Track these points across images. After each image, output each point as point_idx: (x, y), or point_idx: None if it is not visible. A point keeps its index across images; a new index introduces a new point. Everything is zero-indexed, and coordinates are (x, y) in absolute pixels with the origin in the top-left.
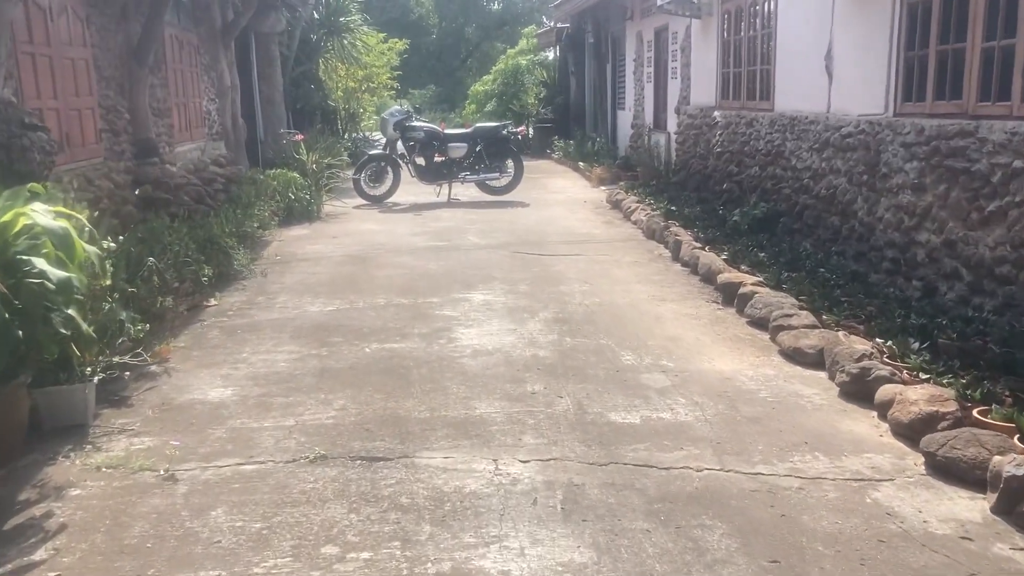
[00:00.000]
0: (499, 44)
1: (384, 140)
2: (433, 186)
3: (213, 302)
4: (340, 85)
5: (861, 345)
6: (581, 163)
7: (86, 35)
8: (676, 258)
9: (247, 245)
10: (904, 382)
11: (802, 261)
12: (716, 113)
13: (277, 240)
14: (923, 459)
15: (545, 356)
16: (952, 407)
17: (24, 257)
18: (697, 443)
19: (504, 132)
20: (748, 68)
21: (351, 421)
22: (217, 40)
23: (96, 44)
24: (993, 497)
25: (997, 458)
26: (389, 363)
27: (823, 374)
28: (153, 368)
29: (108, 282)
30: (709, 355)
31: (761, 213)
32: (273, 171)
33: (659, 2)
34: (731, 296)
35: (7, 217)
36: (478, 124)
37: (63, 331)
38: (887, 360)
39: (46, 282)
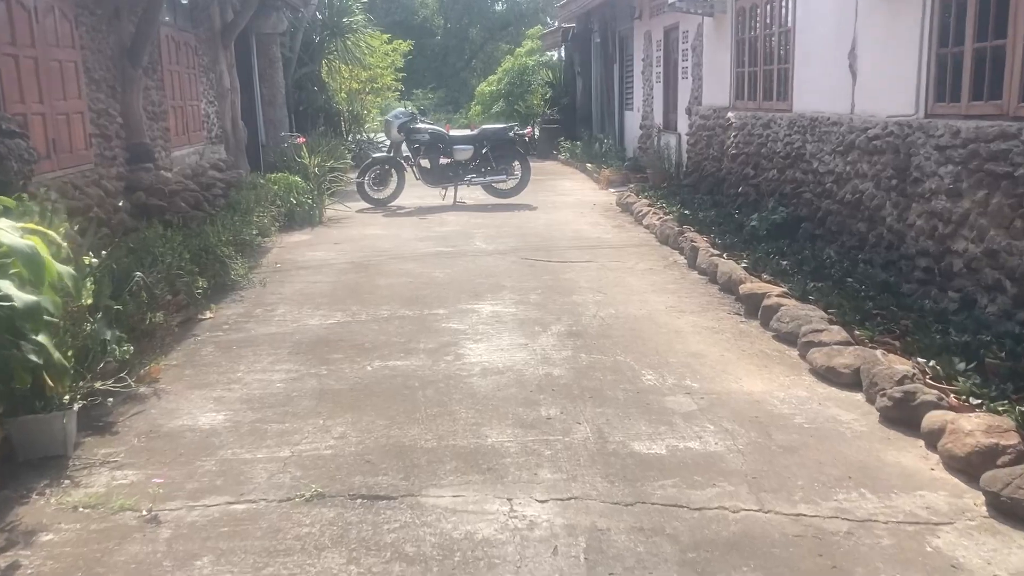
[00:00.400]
0: (503, 45)
1: (388, 142)
2: (438, 189)
3: (208, 315)
4: (343, 87)
5: (901, 365)
6: (589, 164)
7: (75, 36)
8: (692, 265)
9: (245, 253)
10: (953, 408)
11: (827, 269)
12: (730, 114)
13: (278, 246)
14: (984, 499)
15: (559, 375)
16: (1014, 439)
17: None
18: (731, 478)
19: (511, 134)
20: (764, 67)
21: (351, 452)
22: (216, 41)
23: (86, 45)
24: None
25: None
26: (393, 383)
27: (860, 396)
28: (142, 390)
29: (89, 301)
30: (735, 374)
31: (780, 218)
32: (274, 175)
33: (670, 0)
34: (754, 308)
35: None
36: (484, 126)
37: (34, 359)
38: (930, 382)
39: (13, 306)
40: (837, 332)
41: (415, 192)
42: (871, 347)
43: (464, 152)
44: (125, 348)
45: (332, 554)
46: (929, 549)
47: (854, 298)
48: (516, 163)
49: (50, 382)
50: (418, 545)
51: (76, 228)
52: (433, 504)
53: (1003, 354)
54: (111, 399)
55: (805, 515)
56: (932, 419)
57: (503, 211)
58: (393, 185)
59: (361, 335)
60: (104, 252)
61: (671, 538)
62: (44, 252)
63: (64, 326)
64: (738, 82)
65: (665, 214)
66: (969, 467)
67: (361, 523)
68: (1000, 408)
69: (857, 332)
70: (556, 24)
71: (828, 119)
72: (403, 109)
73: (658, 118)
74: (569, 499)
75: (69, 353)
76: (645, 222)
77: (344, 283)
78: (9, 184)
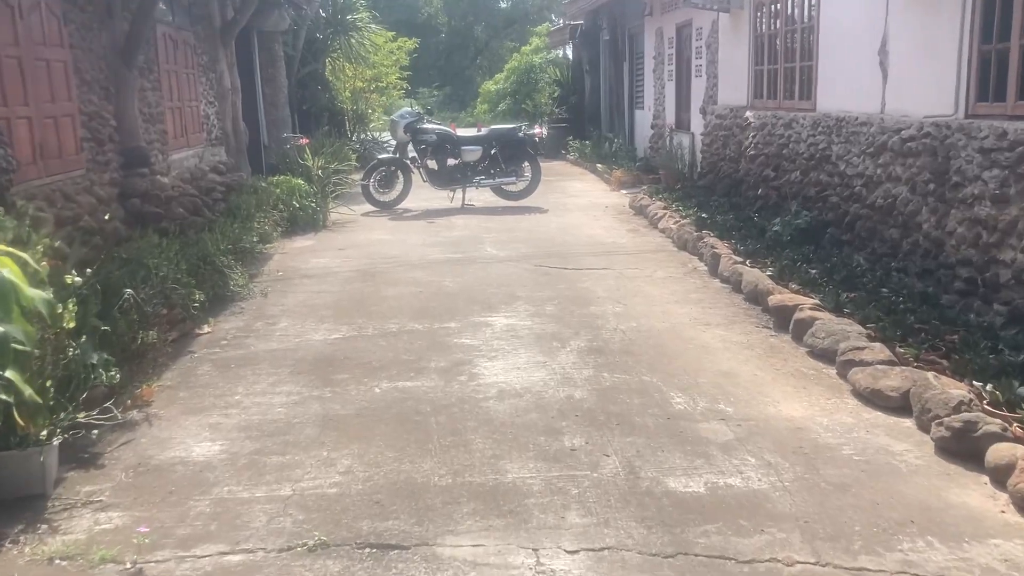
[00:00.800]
0: (509, 43)
1: (394, 143)
2: (446, 191)
3: (206, 329)
4: (348, 86)
5: (956, 389)
6: (599, 165)
7: (63, 34)
8: (714, 273)
9: (246, 262)
10: (1019, 439)
11: (858, 279)
12: (748, 113)
13: (280, 253)
14: None
15: (582, 398)
16: None
17: None
18: (780, 523)
19: (520, 134)
20: (785, 65)
21: (358, 490)
22: (216, 39)
23: (76, 44)
24: None
25: None
26: (402, 408)
27: (909, 422)
28: (133, 415)
29: (71, 325)
30: (772, 396)
31: (805, 223)
32: (276, 178)
33: None
34: (785, 321)
35: None
36: (493, 125)
37: (2, 397)
38: (989, 408)
39: None
40: (879, 350)
41: (422, 194)
42: (917, 366)
43: (472, 153)
44: (113, 373)
45: None
46: None
47: (893, 311)
48: (526, 164)
49: (21, 421)
50: None
51: (61, 241)
52: (450, 556)
53: None
54: (95, 432)
55: (868, 569)
56: (998, 453)
57: (513, 214)
58: (399, 187)
59: (368, 352)
60: (91, 268)
61: None
62: (16, 276)
63: (43, 354)
64: (756, 80)
65: (682, 217)
66: None
67: None
68: None
69: (900, 349)
70: (563, 22)
71: (856, 119)
72: (409, 109)
73: (670, 117)
74: (602, 549)
75: (48, 384)
76: (661, 226)
77: (349, 293)
78: None
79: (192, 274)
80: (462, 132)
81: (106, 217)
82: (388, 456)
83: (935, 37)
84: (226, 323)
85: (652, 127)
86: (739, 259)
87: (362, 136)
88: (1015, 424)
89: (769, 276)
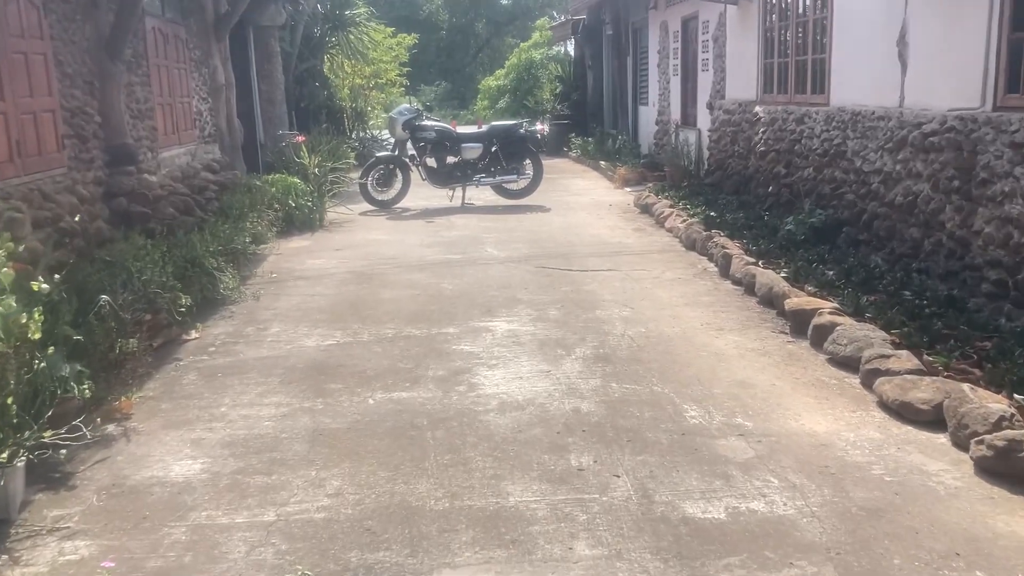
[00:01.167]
0: (510, 39)
1: (392, 140)
2: (445, 190)
3: (194, 335)
4: (347, 82)
5: (995, 403)
6: (603, 162)
7: (43, 25)
8: (725, 274)
9: (238, 263)
10: None
11: (877, 280)
12: (758, 108)
13: (275, 253)
14: None
15: (589, 411)
16: None
17: None
18: (810, 554)
19: (522, 130)
20: (797, 58)
21: (348, 515)
22: (209, 33)
23: (57, 36)
24: None
25: None
26: (397, 421)
27: (943, 437)
28: (110, 429)
29: (37, 336)
30: (793, 409)
31: (819, 221)
32: (272, 176)
33: None
34: (803, 326)
35: None
36: (493, 122)
37: None
38: None
39: None
40: (906, 358)
41: (421, 193)
42: (947, 376)
43: (473, 150)
44: (86, 386)
45: None
46: None
47: (917, 315)
48: (527, 162)
49: None
50: None
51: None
52: None
53: None
54: (63, 451)
55: None
56: None
57: (515, 213)
58: (398, 186)
59: (362, 359)
60: (62, 274)
61: None
62: None
63: (1, 368)
64: (766, 74)
65: (689, 216)
66: None
67: None
68: None
69: (928, 357)
70: (563, 18)
71: (873, 113)
72: (408, 105)
73: (675, 113)
74: None
75: (10, 400)
76: (668, 225)
77: (345, 296)
78: None
79: (178, 277)
80: (462, 129)
81: (75, 219)
82: (381, 476)
83: (960, 25)
84: (215, 328)
85: (657, 123)
86: (751, 260)
87: (361, 134)
88: None
89: (784, 277)
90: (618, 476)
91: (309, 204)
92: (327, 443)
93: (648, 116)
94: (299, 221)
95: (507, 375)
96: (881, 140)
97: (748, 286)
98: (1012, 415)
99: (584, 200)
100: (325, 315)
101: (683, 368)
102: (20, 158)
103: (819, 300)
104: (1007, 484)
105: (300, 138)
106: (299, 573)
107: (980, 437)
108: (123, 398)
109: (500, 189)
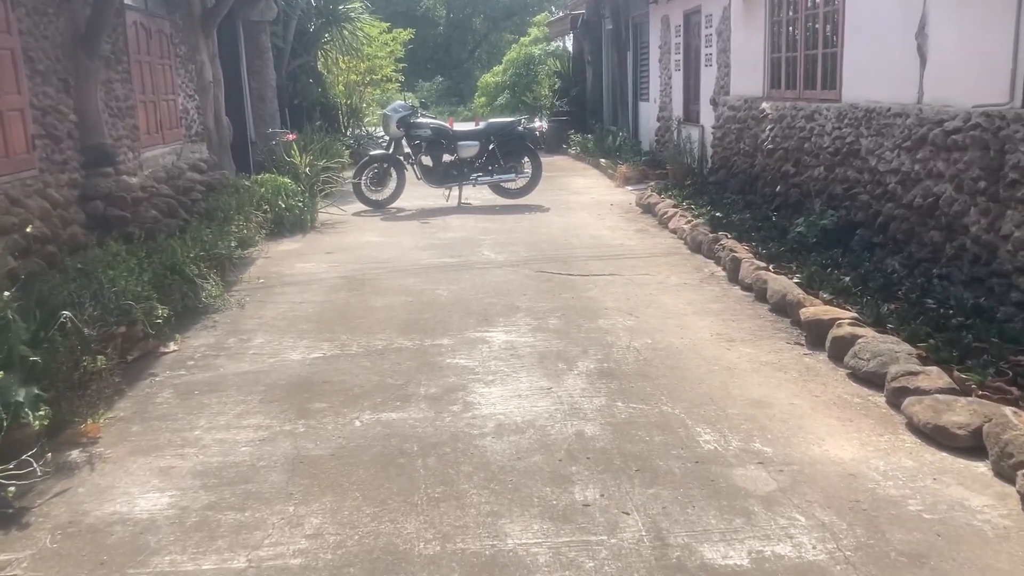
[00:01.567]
0: (507, 35)
1: (387, 138)
2: (442, 189)
3: (173, 347)
4: (341, 79)
5: None
6: (603, 160)
7: (11, 19)
8: (734, 279)
9: (222, 269)
10: None
11: (895, 287)
12: (765, 104)
13: (263, 257)
14: None
15: (594, 435)
16: None
17: None
18: None
19: (520, 128)
20: (806, 52)
21: (327, 561)
22: (196, 28)
23: (26, 30)
24: None
25: None
26: (385, 447)
27: (983, 467)
28: (73, 456)
29: None
30: (815, 432)
31: (831, 223)
32: (261, 176)
33: None
34: (820, 337)
35: None
36: (491, 120)
37: None
38: None
39: None
40: (936, 375)
41: (416, 192)
42: (983, 396)
43: (469, 148)
44: (43, 412)
45: None
46: None
47: (943, 326)
48: (526, 160)
49: None
50: None
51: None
52: None
53: None
54: (12, 488)
55: None
56: None
57: (513, 213)
58: (392, 185)
59: (350, 375)
60: (18, 286)
61: None
62: None
63: None
64: (773, 69)
65: (694, 216)
66: None
67: None
68: None
69: (959, 374)
70: (561, 13)
71: (888, 110)
72: (403, 102)
73: (678, 110)
74: None
75: None
76: (671, 226)
77: (334, 303)
78: None
79: (157, 285)
80: (459, 126)
81: (28, 229)
82: (365, 513)
83: (985, 16)
84: (196, 339)
85: (658, 120)
86: (761, 264)
87: (356, 131)
88: None
89: (796, 283)
90: (627, 513)
91: (300, 204)
92: (308, 473)
93: (649, 112)
94: (289, 222)
95: (505, 393)
96: (898, 138)
97: (759, 292)
98: None
99: (584, 199)
100: (312, 324)
101: (694, 385)
102: None
103: (836, 309)
104: None
105: (291, 136)
106: None
107: None
108: (89, 421)
109: (498, 188)
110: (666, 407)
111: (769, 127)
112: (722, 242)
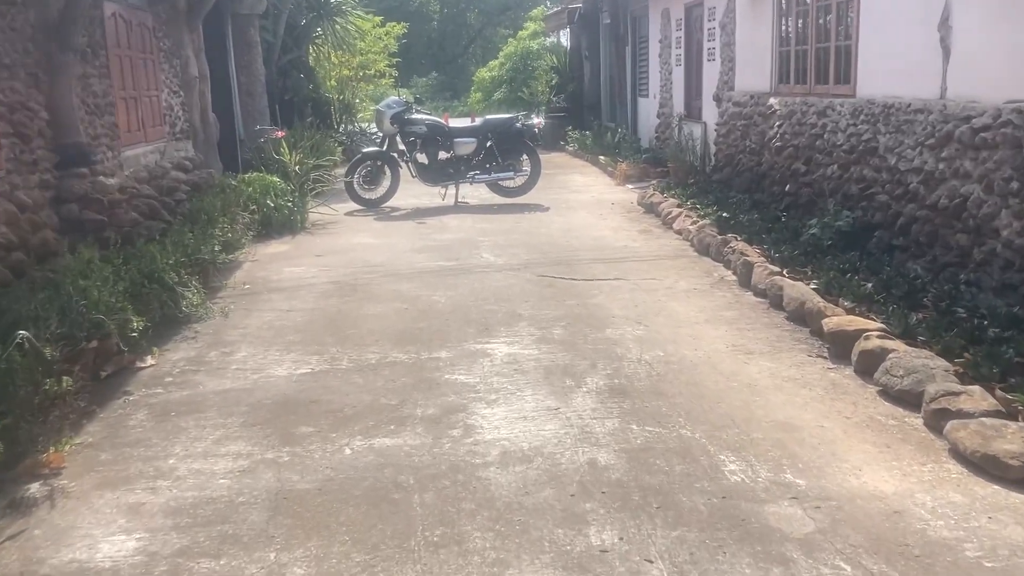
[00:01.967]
0: (503, 30)
1: (381, 135)
2: (437, 188)
3: (150, 361)
4: (333, 74)
5: None
6: (602, 157)
7: None
8: (746, 285)
9: (205, 275)
10: None
11: (921, 293)
12: (772, 100)
13: (250, 260)
14: None
15: (608, 464)
16: None
17: None
18: None
19: (518, 124)
20: (817, 45)
21: None
22: (180, 22)
23: None
24: None
25: None
26: (378, 480)
27: None
28: (32, 490)
29: None
30: (850, 460)
31: (847, 224)
32: (249, 175)
33: None
34: (845, 350)
35: None
36: (488, 116)
37: None
38: None
39: None
40: (980, 396)
41: (411, 191)
42: None
43: (466, 146)
44: None
45: None
46: None
47: (978, 338)
48: (524, 157)
49: None
50: None
51: None
52: None
53: None
54: None
55: None
56: None
57: (511, 213)
58: (386, 183)
59: (340, 393)
60: None
61: None
62: None
63: None
64: (781, 63)
65: (700, 217)
66: None
67: None
68: None
69: (1003, 393)
70: (558, 7)
71: (908, 106)
72: (397, 98)
73: (679, 106)
74: None
75: None
76: (676, 226)
77: (324, 312)
78: None
79: (133, 295)
80: (455, 123)
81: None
82: (355, 561)
83: (1016, 5)
84: (175, 353)
85: (658, 116)
86: (775, 268)
87: (349, 127)
88: None
89: (814, 289)
90: (651, 561)
91: (289, 204)
92: (292, 511)
93: (649, 109)
94: (278, 223)
95: (509, 414)
96: (920, 135)
97: (774, 299)
98: None
99: (584, 198)
100: (300, 335)
101: (713, 404)
102: None
103: (860, 319)
104: None
105: (280, 133)
106: None
107: None
108: (52, 449)
109: (496, 187)
110: (685, 430)
111: (777, 123)
112: (732, 245)
